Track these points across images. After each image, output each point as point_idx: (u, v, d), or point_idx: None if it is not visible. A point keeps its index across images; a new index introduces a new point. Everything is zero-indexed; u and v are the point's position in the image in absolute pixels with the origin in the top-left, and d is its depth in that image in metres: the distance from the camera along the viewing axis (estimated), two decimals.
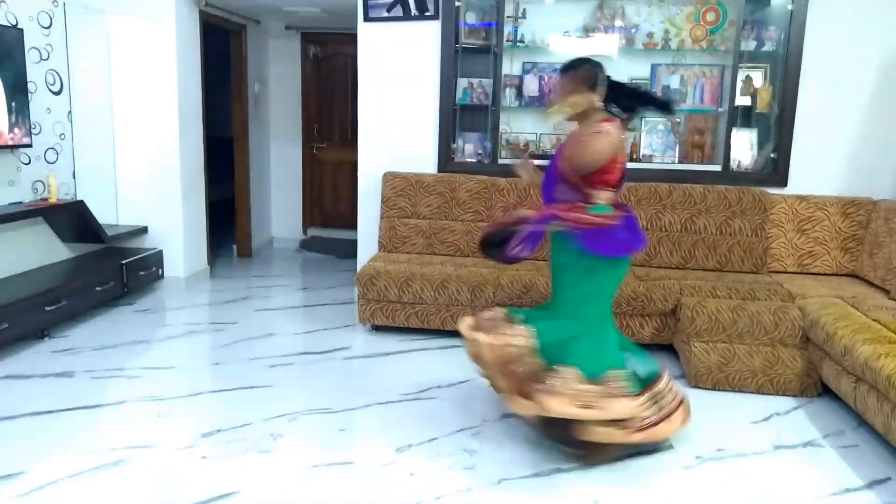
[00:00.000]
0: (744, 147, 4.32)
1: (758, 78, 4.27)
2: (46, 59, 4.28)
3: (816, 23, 4.04)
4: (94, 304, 4.16)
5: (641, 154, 4.41)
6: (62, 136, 4.48)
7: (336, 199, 6.63)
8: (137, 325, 4.10)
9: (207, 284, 5.12)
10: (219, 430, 2.78)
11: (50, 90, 4.34)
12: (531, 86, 4.45)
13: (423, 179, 4.34)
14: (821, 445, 2.80)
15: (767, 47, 4.20)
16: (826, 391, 3.23)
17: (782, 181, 4.21)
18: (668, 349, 3.72)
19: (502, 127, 4.48)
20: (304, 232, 6.74)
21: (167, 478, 2.42)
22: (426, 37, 4.35)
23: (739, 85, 4.21)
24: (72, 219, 4.32)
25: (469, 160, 4.52)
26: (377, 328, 4.07)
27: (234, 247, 6.18)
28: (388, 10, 4.34)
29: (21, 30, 3.93)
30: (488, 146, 4.47)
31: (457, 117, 4.50)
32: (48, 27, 4.26)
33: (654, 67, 4.36)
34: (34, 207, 4.00)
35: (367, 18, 4.38)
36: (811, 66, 4.09)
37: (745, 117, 4.31)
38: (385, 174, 4.39)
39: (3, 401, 2.99)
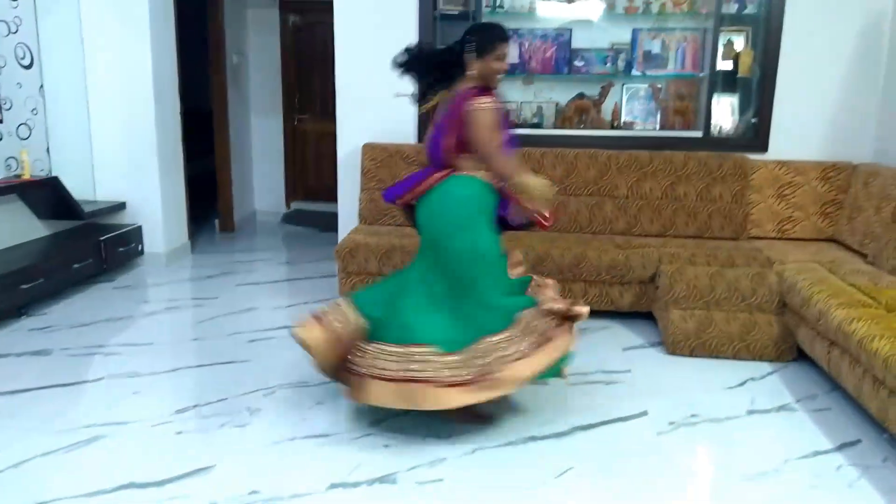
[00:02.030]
0: (725, 112, 4.29)
1: (739, 42, 4.22)
2: (15, 32, 4.18)
3: None
4: (72, 281, 4.13)
5: (623, 121, 4.37)
6: (34, 112, 4.40)
7: (319, 171, 6.57)
8: (117, 302, 4.08)
9: (189, 260, 5.09)
10: (195, 406, 2.78)
11: (20, 64, 4.25)
12: (511, 53, 4.37)
13: (403, 150, 4.29)
14: (794, 409, 2.82)
15: (749, 10, 4.15)
16: (801, 356, 3.25)
17: (763, 146, 4.18)
18: (648, 316, 3.73)
19: None
20: (288, 205, 6.70)
21: (142, 454, 2.43)
22: (404, 4, 4.27)
23: (721, 49, 4.16)
24: (47, 195, 4.27)
25: None
26: None
27: (217, 221, 6.14)
28: None
29: None
30: None
31: None
32: None
33: (635, 32, 4.30)
34: (7, 184, 3.95)
35: None
36: (792, 30, 4.04)
37: (726, 82, 4.27)
38: (364, 145, 4.34)
39: None
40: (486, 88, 2.56)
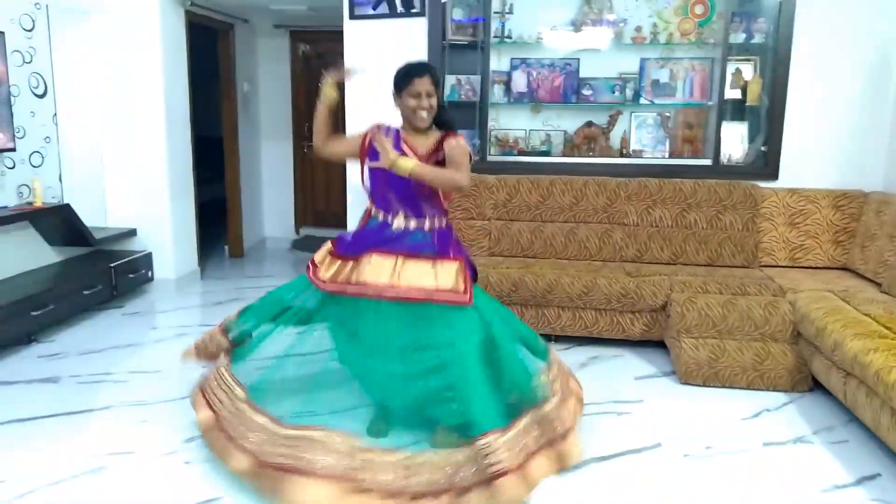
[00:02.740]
0: (734, 140, 4.29)
1: (747, 71, 4.23)
2: (30, 62, 4.24)
3: (805, 14, 4.00)
4: (82, 308, 4.14)
5: (631, 149, 4.38)
6: (47, 140, 4.44)
7: (328, 197, 6.60)
8: (126, 329, 4.07)
9: (198, 286, 5.09)
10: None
11: (34, 93, 4.30)
12: (519, 82, 4.42)
13: None
14: (810, 442, 2.77)
15: (757, 39, 4.17)
16: (817, 386, 3.21)
17: (773, 174, 4.17)
18: (660, 345, 3.69)
19: (491, 124, 4.45)
20: (297, 231, 6.72)
21: (148, 484, 2.40)
22: (413, 34, 4.31)
23: (729, 78, 4.17)
24: (58, 222, 4.29)
25: None
26: None
27: (226, 247, 6.16)
28: (374, 8, 4.31)
29: (2, 33, 3.90)
30: (477, 143, 4.44)
31: None
32: (31, 30, 4.22)
33: (643, 62, 4.33)
34: (20, 212, 3.98)
35: (353, 16, 4.35)
36: (800, 58, 4.05)
37: (735, 110, 4.28)
38: None
39: None
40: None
